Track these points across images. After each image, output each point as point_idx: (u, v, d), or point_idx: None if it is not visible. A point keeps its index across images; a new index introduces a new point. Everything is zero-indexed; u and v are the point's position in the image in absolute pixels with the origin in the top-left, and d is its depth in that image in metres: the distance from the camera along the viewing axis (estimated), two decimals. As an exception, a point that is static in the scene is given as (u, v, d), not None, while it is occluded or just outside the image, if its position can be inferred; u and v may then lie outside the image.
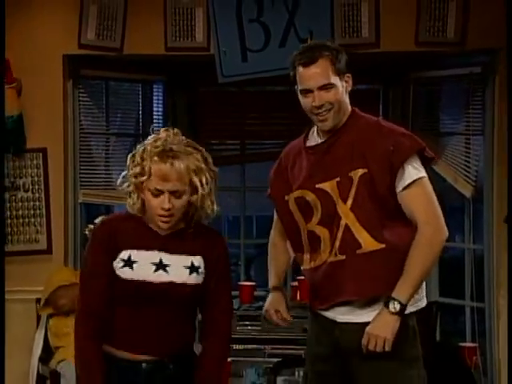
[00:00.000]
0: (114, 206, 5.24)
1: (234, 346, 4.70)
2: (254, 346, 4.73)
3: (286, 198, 3.03)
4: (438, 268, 4.98)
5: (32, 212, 4.83)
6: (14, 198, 4.82)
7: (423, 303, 2.90)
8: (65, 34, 4.68)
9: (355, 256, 2.86)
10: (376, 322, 2.77)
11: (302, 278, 4.62)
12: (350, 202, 2.88)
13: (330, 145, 2.95)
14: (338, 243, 2.89)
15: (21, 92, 4.67)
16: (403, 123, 4.64)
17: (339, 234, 2.90)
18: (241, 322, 4.76)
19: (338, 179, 2.90)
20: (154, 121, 5.26)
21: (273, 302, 3.12)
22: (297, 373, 4.68)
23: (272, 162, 5.04)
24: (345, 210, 2.89)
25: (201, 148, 2.59)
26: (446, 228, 2.83)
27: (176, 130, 2.60)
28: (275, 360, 4.57)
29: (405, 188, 2.81)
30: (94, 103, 5.03)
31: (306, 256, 3.03)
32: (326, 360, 2.94)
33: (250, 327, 4.75)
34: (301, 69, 2.90)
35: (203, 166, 2.51)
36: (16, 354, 4.56)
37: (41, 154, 4.78)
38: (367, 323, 2.81)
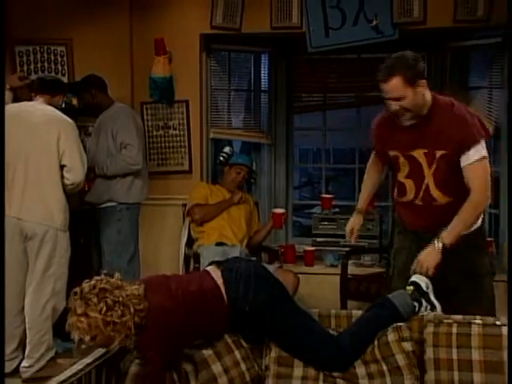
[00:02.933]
0: (232, 140, 5.36)
1: (317, 238, 4.99)
2: (333, 239, 4.90)
3: (385, 150, 3.18)
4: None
5: (178, 144, 4.93)
6: (166, 134, 4.92)
7: (479, 224, 3.10)
8: (201, 19, 4.76)
9: (431, 206, 3.08)
10: (425, 253, 2.96)
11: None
12: (433, 168, 3.03)
13: (419, 125, 3.01)
14: (421, 194, 3.09)
15: (171, 60, 4.76)
16: (443, 81, 4.99)
17: (423, 187, 3.08)
18: (322, 223, 4.98)
19: (425, 151, 3.03)
20: (262, 80, 5.30)
21: (352, 223, 3.36)
22: (362, 258, 4.93)
23: (346, 111, 5.28)
24: (428, 173, 3.05)
25: None
26: (489, 198, 3.02)
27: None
28: (347, 249, 4.67)
29: (468, 165, 2.95)
30: (220, 68, 5.12)
31: (396, 192, 3.23)
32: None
33: (328, 226, 4.96)
34: (381, 83, 2.96)
35: None
36: (170, 241, 4.77)
37: (184, 104, 4.88)
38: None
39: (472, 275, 3.15)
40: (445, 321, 2.77)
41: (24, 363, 3.88)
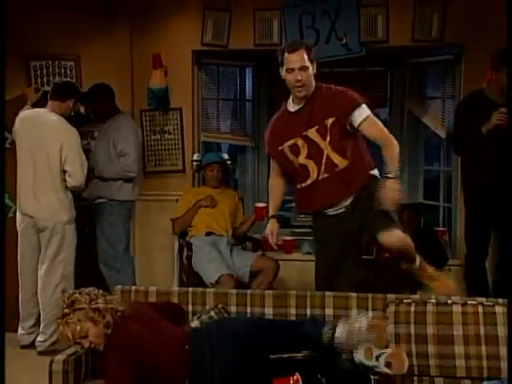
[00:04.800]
0: (221, 143, 5.41)
1: (295, 229, 4.97)
2: (309, 229, 4.56)
3: (280, 148, 3.13)
4: (423, 181, 5.05)
5: (173, 146, 4.89)
6: (162, 138, 4.87)
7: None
8: (193, 37, 4.73)
9: (335, 173, 3.05)
10: (386, 189, 2.90)
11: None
12: (328, 139, 3.02)
13: (307, 107, 3.05)
14: (323, 167, 3.05)
15: (167, 73, 4.71)
16: (403, 92, 5.01)
17: (323, 161, 3.04)
18: (299, 215, 4.82)
19: (317, 127, 3.03)
20: (246, 91, 5.27)
21: (271, 228, 3.29)
22: None
23: None
24: (325, 145, 3.03)
25: None
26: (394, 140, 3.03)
27: None
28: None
29: (361, 123, 3.01)
30: (209, 80, 5.08)
31: (299, 183, 3.15)
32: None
33: (305, 218, 4.71)
34: (287, 54, 3.02)
35: None
36: (166, 232, 4.63)
37: (178, 111, 4.84)
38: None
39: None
40: (404, 301, 2.80)
41: (39, 338, 3.92)
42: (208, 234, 4.37)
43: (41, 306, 3.91)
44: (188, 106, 4.87)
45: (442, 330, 2.72)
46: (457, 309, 2.74)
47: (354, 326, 2.42)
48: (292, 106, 3.14)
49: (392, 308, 2.79)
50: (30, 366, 3.61)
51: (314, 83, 3.08)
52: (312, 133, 3.06)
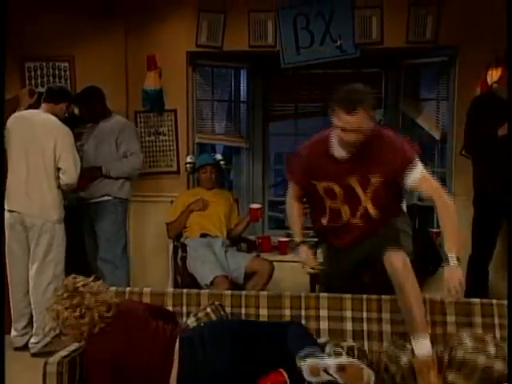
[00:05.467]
0: (215, 144, 5.34)
1: (290, 230, 4.51)
2: (304, 230, 4.64)
3: (314, 182, 2.84)
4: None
5: (168, 148, 4.89)
6: (157, 139, 4.88)
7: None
8: (188, 38, 4.72)
9: (368, 220, 2.82)
10: (448, 274, 2.56)
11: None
12: (369, 194, 2.78)
13: (353, 155, 2.74)
14: (358, 214, 2.81)
15: (161, 75, 4.71)
16: (398, 93, 5.04)
17: (359, 210, 2.81)
18: None
19: (359, 178, 2.77)
20: (241, 92, 5.27)
21: (304, 252, 3.01)
22: None
23: (315, 118, 5.22)
24: (365, 198, 2.79)
25: None
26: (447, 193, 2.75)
27: None
28: (315, 239, 4.53)
29: (415, 181, 2.71)
30: (204, 81, 5.07)
31: (324, 219, 2.90)
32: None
33: None
34: (342, 114, 2.60)
35: None
36: (161, 233, 4.62)
37: (173, 113, 4.83)
38: None
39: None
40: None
41: (32, 340, 3.89)
42: (203, 235, 4.37)
43: (33, 306, 3.90)
44: (183, 108, 4.86)
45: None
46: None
47: (321, 363, 2.31)
48: (336, 150, 2.79)
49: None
50: (24, 368, 3.57)
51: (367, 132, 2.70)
52: (353, 181, 2.80)
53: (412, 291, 2.66)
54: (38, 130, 3.82)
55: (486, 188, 3.95)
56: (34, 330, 3.90)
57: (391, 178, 2.76)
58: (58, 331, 2.54)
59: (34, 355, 3.83)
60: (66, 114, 4.18)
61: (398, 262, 2.69)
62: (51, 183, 3.82)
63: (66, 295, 2.51)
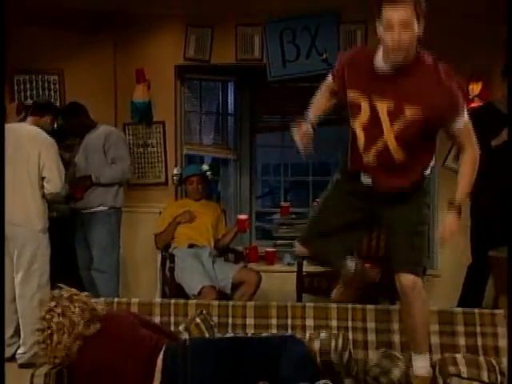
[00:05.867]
0: (204, 156, 5.41)
1: (277, 241, 4.97)
2: (290, 241, 4.55)
3: (347, 91, 2.49)
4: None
5: (156, 159, 4.92)
6: (145, 151, 4.91)
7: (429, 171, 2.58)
8: (176, 52, 4.77)
9: (384, 163, 2.47)
10: (446, 221, 2.47)
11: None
12: (396, 127, 2.39)
13: (396, 77, 2.36)
14: (374, 149, 2.46)
15: (150, 87, 4.76)
16: None
17: (377, 146, 2.45)
18: (281, 227, 4.96)
19: (391, 105, 2.38)
20: (229, 105, 5.30)
21: (302, 129, 2.57)
22: None
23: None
24: (388, 131, 2.41)
25: None
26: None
27: None
28: None
29: (457, 129, 2.41)
30: (192, 94, 5.10)
31: (350, 141, 2.56)
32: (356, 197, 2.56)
33: (287, 230, 4.93)
34: (388, 7, 2.27)
35: None
36: (149, 243, 4.60)
37: (161, 125, 4.87)
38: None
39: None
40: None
41: (19, 350, 3.87)
42: (190, 245, 4.39)
43: (19, 315, 3.87)
44: (171, 120, 4.90)
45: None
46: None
47: None
48: (379, 62, 2.40)
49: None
50: (11, 380, 3.53)
51: (415, 49, 2.34)
52: (381, 107, 2.40)
53: (419, 312, 2.59)
54: (24, 141, 3.85)
55: (483, 198, 3.91)
56: (21, 341, 3.88)
57: (431, 119, 2.37)
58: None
59: (21, 366, 3.79)
60: (56, 126, 4.22)
61: (408, 284, 2.54)
62: (35, 192, 3.83)
63: (53, 304, 2.50)
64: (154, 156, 4.94)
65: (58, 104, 4.71)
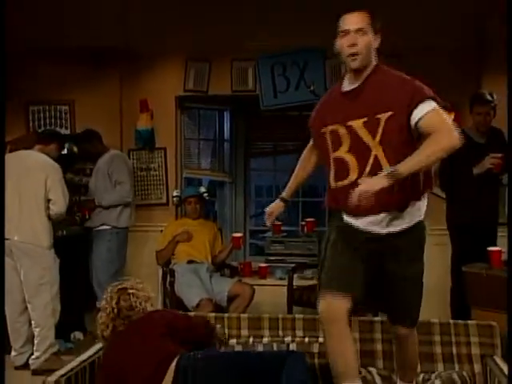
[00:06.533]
0: (202, 178, 5.44)
1: (269, 257, 4.86)
2: (282, 257, 4.86)
3: (323, 130, 2.39)
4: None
5: (158, 182, 5.00)
6: (148, 174, 4.99)
7: (421, 218, 2.34)
8: (176, 84, 4.88)
9: None
10: (367, 179, 2.21)
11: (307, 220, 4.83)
12: (378, 138, 2.24)
13: (359, 90, 2.30)
14: (368, 168, 2.27)
15: (153, 116, 4.88)
16: None
17: (370, 161, 2.26)
18: (273, 244, 4.91)
19: (364, 120, 2.26)
20: (225, 132, 5.40)
21: (273, 207, 2.68)
22: (304, 272, 4.77)
23: (292, 155, 5.35)
24: (374, 144, 2.25)
25: None
26: (457, 139, 2.16)
27: None
28: (292, 265, 4.59)
29: (423, 116, 2.19)
30: (191, 122, 5.20)
31: (332, 177, 2.38)
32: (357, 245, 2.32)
33: (278, 247, 4.91)
34: (345, 16, 2.27)
35: None
36: (151, 260, 4.63)
37: (163, 150, 4.96)
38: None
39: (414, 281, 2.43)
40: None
41: (33, 356, 3.92)
42: (189, 261, 4.45)
43: (33, 324, 3.93)
44: (172, 146, 5.00)
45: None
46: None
47: None
48: (346, 85, 2.35)
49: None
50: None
51: (373, 59, 2.30)
52: (357, 125, 2.27)
53: (411, 346, 2.56)
54: (31, 166, 3.98)
55: (464, 222, 3.94)
56: (35, 346, 3.91)
57: (404, 113, 2.21)
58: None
59: (34, 372, 3.84)
60: (65, 151, 4.38)
61: (406, 333, 2.51)
62: (41, 213, 3.94)
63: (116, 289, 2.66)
64: (156, 179, 5.03)
65: (68, 132, 4.88)
